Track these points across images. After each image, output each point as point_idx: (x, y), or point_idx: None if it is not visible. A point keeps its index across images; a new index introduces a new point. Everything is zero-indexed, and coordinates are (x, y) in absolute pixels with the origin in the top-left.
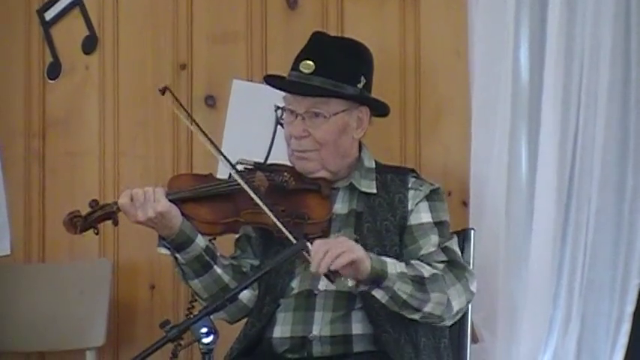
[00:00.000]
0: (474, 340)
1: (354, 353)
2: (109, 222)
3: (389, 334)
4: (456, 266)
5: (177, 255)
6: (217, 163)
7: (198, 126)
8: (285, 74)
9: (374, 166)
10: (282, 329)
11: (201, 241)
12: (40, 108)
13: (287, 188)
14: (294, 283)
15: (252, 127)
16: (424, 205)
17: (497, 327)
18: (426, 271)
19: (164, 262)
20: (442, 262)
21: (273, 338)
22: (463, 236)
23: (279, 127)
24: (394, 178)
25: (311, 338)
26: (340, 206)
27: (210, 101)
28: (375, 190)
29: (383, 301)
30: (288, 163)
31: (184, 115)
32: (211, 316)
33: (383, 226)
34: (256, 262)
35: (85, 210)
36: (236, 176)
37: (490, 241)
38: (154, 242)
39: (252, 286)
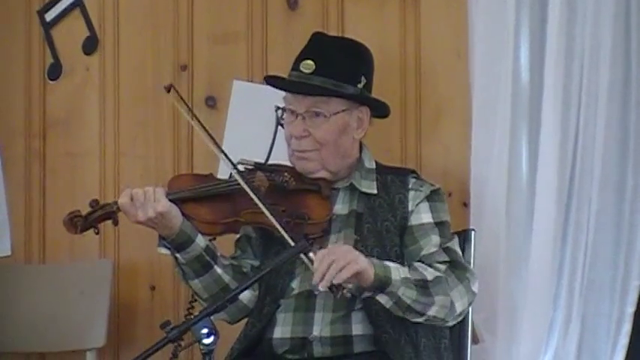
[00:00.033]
0: (475, 340)
1: (354, 354)
2: (110, 222)
3: (389, 334)
4: (457, 267)
5: (178, 255)
6: (218, 164)
7: (200, 123)
8: (285, 75)
9: (374, 166)
10: (282, 330)
11: (201, 241)
12: (40, 108)
13: (287, 188)
14: (295, 284)
15: (253, 128)
16: (425, 205)
17: (498, 327)
18: (429, 273)
19: (164, 263)
20: (444, 262)
21: (274, 339)
22: (463, 237)
23: (279, 127)
24: (394, 178)
25: (311, 339)
26: (340, 207)
27: (211, 102)
28: (375, 191)
29: (387, 306)
30: (289, 164)
31: (185, 110)
32: (211, 317)
33: (383, 226)
34: (256, 263)
35: (85, 210)
36: (235, 175)
37: (490, 241)
38: (155, 243)
39: (252, 286)
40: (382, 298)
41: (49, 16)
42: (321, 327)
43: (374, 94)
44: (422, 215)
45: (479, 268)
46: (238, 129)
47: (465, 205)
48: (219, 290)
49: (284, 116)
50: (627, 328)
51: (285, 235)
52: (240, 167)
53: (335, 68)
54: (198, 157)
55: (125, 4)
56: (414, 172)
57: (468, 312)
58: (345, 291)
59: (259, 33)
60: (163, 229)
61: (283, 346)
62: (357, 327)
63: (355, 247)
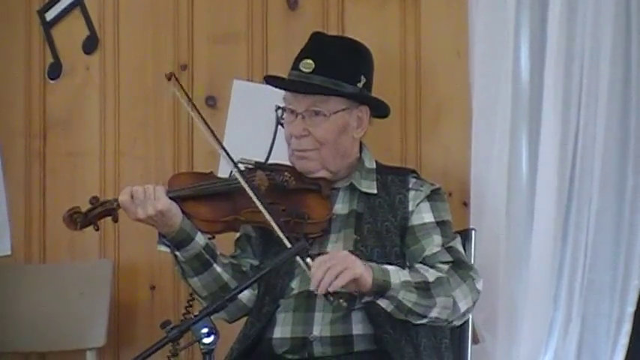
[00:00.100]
0: (475, 340)
1: (354, 353)
2: (110, 222)
3: (390, 334)
4: (461, 266)
5: (177, 253)
6: (218, 164)
7: (200, 115)
8: (285, 75)
9: (374, 166)
10: (282, 330)
11: (201, 239)
12: (40, 108)
13: (287, 188)
14: (294, 284)
15: (253, 128)
16: (425, 205)
17: (498, 328)
18: (430, 275)
19: (164, 263)
20: (447, 262)
21: (274, 339)
22: (464, 237)
23: (279, 127)
24: (394, 178)
25: (311, 339)
26: (340, 206)
27: (211, 101)
28: (375, 191)
29: (388, 310)
30: (289, 164)
31: (185, 100)
32: (210, 316)
33: (383, 226)
34: (256, 262)
35: (85, 208)
36: (235, 171)
37: (490, 241)
38: (155, 243)
39: (251, 285)
40: (383, 303)
41: (49, 15)
42: (321, 327)
43: (374, 94)
44: (423, 215)
45: (479, 268)
46: (238, 129)
47: (465, 204)
48: (219, 289)
49: (284, 116)
50: (627, 327)
51: (282, 235)
52: (241, 166)
53: (334, 67)
54: (198, 157)
55: (125, 3)
56: (414, 171)
57: None
58: (341, 300)
59: (259, 33)
60: (163, 227)
61: (283, 346)
62: (358, 327)
63: (355, 247)
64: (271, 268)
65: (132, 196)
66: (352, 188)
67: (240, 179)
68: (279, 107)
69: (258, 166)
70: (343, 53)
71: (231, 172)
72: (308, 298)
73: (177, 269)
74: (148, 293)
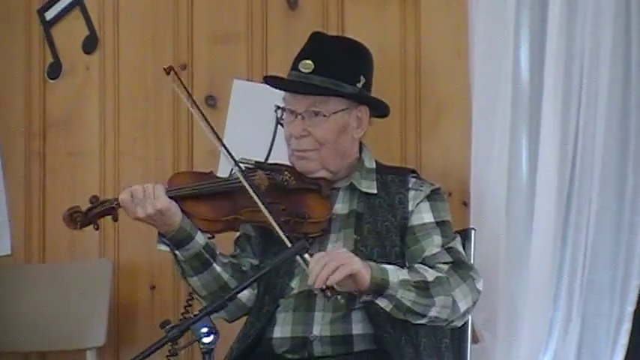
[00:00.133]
0: (475, 340)
1: (354, 353)
2: (110, 222)
3: (390, 334)
4: (461, 266)
5: (177, 252)
6: (218, 164)
7: (199, 109)
8: (285, 75)
9: (374, 166)
10: (282, 329)
11: (200, 238)
12: (40, 108)
13: (287, 187)
14: (294, 283)
15: (253, 127)
16: (425, 205)
17: (498, 327)
18: (430, 274)
19: (164, 263)
20: (447, 263)
21: (274, 339)
22: (463, 236)
23: (279, 127)
24: (394, 178)
25: (311, 338)
26: (340, 206)
27: (211, 101)
28: (375, 191)
29: (387, 309)
30: (289, 163)
31: (185, 95)
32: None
33: (383, 226)
34: (256, 262)
35: (85, 207)
36: (236, 170)
37: (490, 241)
38: (155, 243)
39: (251, 285)
40: (382, 302)
41: (49, 15)
42: (321, 326)
43: (374, 94)
44: (423, 215)
45: (479, 268)
46: (238, 128)
47: (465, 204)
48: (218, 288)
49: (283, 116)
50: (627, 327)
51: (282, 234)
52: (241, 166)
53: (334, 68)
54: (198, 157)
55: (125, 3)
56: (414, 171)
57: None
58: (339, 297)
59: (259, 32)
60: (163, 226)
61: (283, 346)
62: (358, 326)
63: (355, 246)
64: (271, 268)
65: (131, 195)
66: (352, 188)
67: (241, 177)
68: (278, 107)
69: (258, 165)
70: (343, 53)
71: (231, 171)
72: (308, 297)
73: (177, 269)
74: (148, 293)
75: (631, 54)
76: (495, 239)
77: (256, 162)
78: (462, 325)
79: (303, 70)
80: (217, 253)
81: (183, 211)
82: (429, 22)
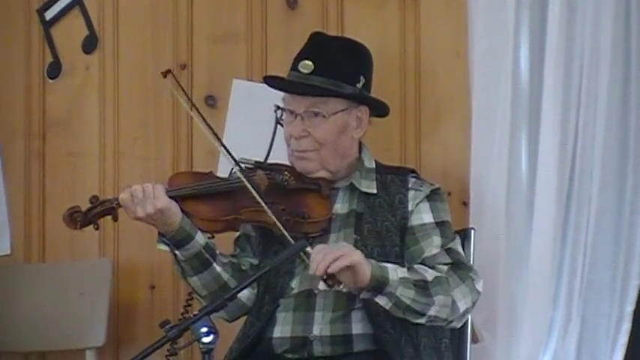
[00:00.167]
0: (474, 340)
1: (354, 353)
2: (110, 222)
3: (389, 334)
4: (460, 267)
5: (177, 252)
6: (217, 164)
7: (198, 110)
8: (284, 74)
9: (374, 166)
10: (282, 329)
11: (200, 238)
12: (40, 108)
13: (287, 187)
14: (294, 283)
15: (253, 127)
16: (425, 205)
17: (498, 327)
18: (429, 274)
19: (164, 262)
20: (446, 264)
21: (273, 338)
22: (463, 236)
23: (279, 127)
24: (394, 178)
25: (311, 338)
26: (340, 206)
27: (211, 101)
28: (375, 191)
29: (387, 308)
30: (289, 163)
31: (184, 98)
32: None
33: (383, 226)
34: (256, 261)
35: (85, 207)
36: (237, 170)
37: (490, 241)
38: (154, 242)
39: (251, 284)
40: (381, 300)
41: (49, 14)
42: (321, 326)
43: (373, 94)
44: (423, 215)
45: (478, 268)
46: (238, 128)
47: (465, 204)
48: (218, 288)
49: (283, 116)
50: (627, 327)
51: (285, 233)
52: (240, 165)
53: (334, 68)
54: (197, 157)
55: (125, 3)
56: (413, 171)
57: None
58: (341, 285)
59: (259, 32)
60: (163, 226)
61: (283, 346)
62: (357, 326)
63: (355, 246)
64: (271, 267)
65: (131, 195)
66: (352, 188)
67: (241, 176)
68: (278, 107)
69: (258, 165)
70: (342, 54)
71: (231, 171)
72: (308, 297)
73: (177, 268)
74: (148, 293)
75: (631, 54)
76: (495, 239)
77: (256, 162)
78: (462, 325)
79: (303, 70)
80: (217, 253)
81: (183, 211)
82: (428, 22)
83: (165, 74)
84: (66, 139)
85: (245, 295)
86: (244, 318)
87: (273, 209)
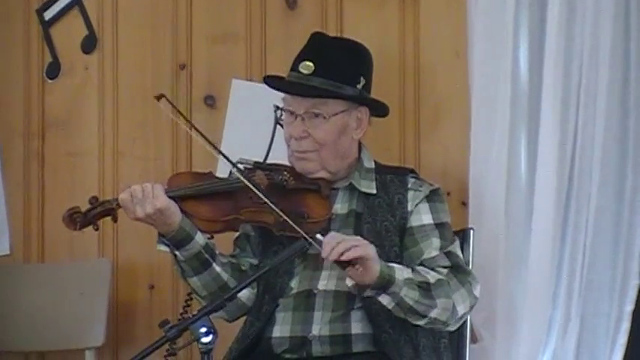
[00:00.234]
0: (474, 340)
1: (353, 353)
2: (109, 222)
3: (389, 334)
4: (459, 271)
5: (177, 252)
6: (217, 165)
7: (198, 130)
8: (284, 74)
9: (373, 166)
10: (281, 329)
11: (200, 238)
12: (39, 108)
13: (287, 187)
14: (294, 283)
15: (252, 127)
16: (424, 206)
17: (497, 327)
18: (432, 276)
19: (163, 263)
20: (446, 267)
21: (273, 338)
22: (462, 236)
23: (278, 127)
24: (394, 178)
25: (310, 338)
26: (340, 206)
27: (210, 101)
28: (374, 191)
29: (389, 307)
30: (288, 164)
31: (183, 121)
32: (209, 315)
33: (382, 226)
34: (255, 261)
35: (84, 207)
36: (236, 172)
37: (489, 241)
38: (154, 243)
39: (251, 284)
40: (384, 299)
41: (48, 14)
42: (320, 326)
43: (373, 95)
44: (422, 216)
45: (478, 268)
46: (237, 128)
47: (464, 204)
48: (218, 288)
49: (283, 116)
50: (626, 327)
51: (295, 225)
52: (240, 166)
53: (334, 69)
54: (197, 157)
55: (124, 3)
56: (413, 171)
57: None
58: (357, 266)
59: (258, 32)
60: (162, 226)
61: (282, 346)
62: (357, 326)
63: None
64: (271, 267)
65: (131, 195)
66: (351, 188)
67: (242, 178)
68: (278, 107)
69: (257, 166)
70: (343, 54)
71: (231, 171)
72: (307, 297)
73: (177, 269)
74: (147, 293)
75: (630, 54)
76: (494, 239)
77: (255, 162)
78: (461, 325)
79: (303, 71)
80: (217, 253)
81: (183, 211)
82: (428, 22)
83: (158, 98)
84: (65, 139)
85: (245, 295)
86: (244, 318)
87: (276, 205)
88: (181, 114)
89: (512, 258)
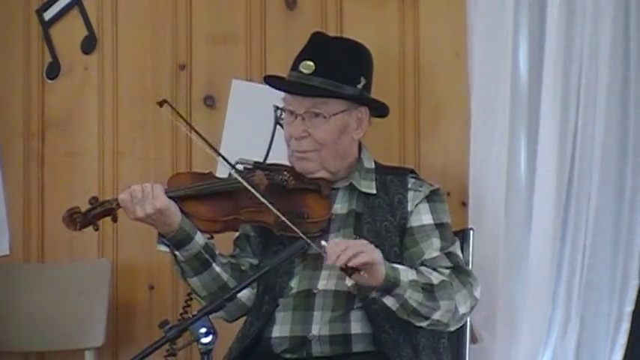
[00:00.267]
0: (473, 340)
1: (353, 353)
2: (109, 222)
3: (388, 334)
4: (460, 272)
5: (177, 252)
6: (216, 165)
7: (199, 135)
8: (284, 74)
9: (373, 166)
10: (281, 329)
11: (200, 238)
12: (39, 108)
13: (286, 187)
14: (293, 283)
15: (252, 128)
16: (424, 206)
17: (497, 327)
18: (435, 277)
19: (163, 263)
20: (447, 267)
21: (272, 338)
22: (462, 236)
23: (278, 127)
24: (394, 178)
25: (310, 338)
26: (340, 206)
27: (210, 101)
28: (374, 191)
29: (393, 309)
30: (288, 164)
31: (184, 125)
32: (209, 316)
33: (382, 226)
34: (255, 261)
35: (84, 208)
36: (234, 174)
37: (489, 241)
38: (154, 243)
39: (251, 284)
40: (389, 301)
41: (48, 15)
42: (320, 326)
43: (373, 94)
44: (422, 216)
45: (478, 268)
46: (237, 128)
47: (464, 204)
48: (218, 289)
49: (283, 116)
50: (626, 327)
51: (292, 225)
52: (239, 167)
53: (334, 69)
54: (197, 157)
55: (124, 3)
56: (412, 171)
57: None
58: (362, 272)
59: (258, 33)
60: (162, 226)
61: (282, 345)
62: (356, 326)
63: None
64: (271, 267)
65: (130, 195)
66: (351, 188)
67: (240, 179)
68: (277, 107)
69: (257, 166)
70: (343, 54)
71: (230, 172)
72: (307, 297)
73: (177, 269)
74: (147, 293)
75: (630, 54)
76: (494, 239)
77: (255, 162)
78: (461, 325)
79: (303, 70)
80: (217, 253)
81: (183, 211)
82: (427, 23)
83: (161, 104)
84: (65, 139)
85: (245, 295)
86: (244, 318)
87: (275, 207)
88: (183, 119)
89: (512, 258)
